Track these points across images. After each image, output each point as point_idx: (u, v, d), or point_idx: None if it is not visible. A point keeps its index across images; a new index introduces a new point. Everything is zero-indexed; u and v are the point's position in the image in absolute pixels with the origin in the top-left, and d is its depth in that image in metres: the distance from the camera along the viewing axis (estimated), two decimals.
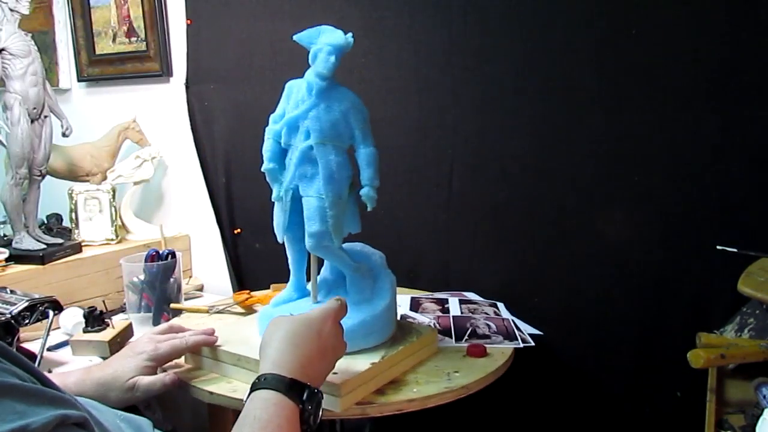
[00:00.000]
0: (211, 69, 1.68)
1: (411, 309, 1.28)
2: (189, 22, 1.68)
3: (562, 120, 1.31)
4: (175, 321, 1.14)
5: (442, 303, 1.31)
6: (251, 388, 0.69)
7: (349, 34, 0.97)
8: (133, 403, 0.92)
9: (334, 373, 0.86)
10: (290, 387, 0.68)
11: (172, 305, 1.31)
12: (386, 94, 1.48)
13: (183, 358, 1.02)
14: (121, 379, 0.89)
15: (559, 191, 1.34)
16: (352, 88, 1.48)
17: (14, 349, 0.58)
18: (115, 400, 0.88)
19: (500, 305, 1.31)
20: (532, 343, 1.11)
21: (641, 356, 1.29)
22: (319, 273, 1.08)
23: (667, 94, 1.21)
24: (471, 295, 1.37)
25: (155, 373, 0.94)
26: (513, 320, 1.22)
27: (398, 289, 1.28)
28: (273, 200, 1.02)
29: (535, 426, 1.41)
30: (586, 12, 1.26)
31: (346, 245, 1.05)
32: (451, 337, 1.12)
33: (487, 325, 1.18)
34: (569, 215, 1.33)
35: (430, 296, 1.36)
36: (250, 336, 1.03)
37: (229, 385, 0.95)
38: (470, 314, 1.24)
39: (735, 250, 1.11)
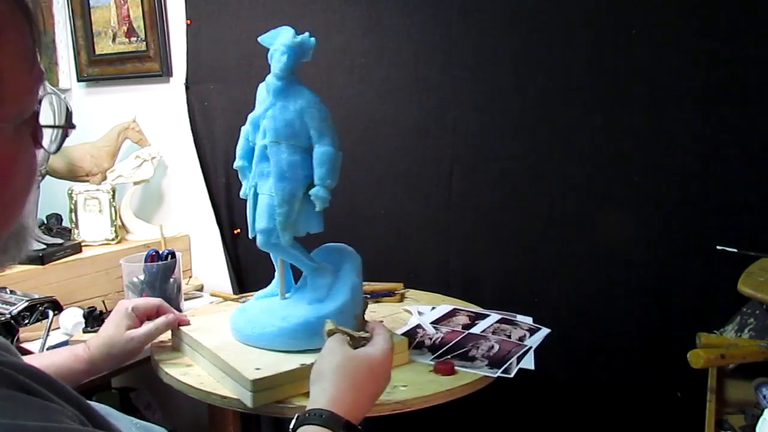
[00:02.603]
0: (211, 69, 1.68)
1: (435, 320, 1.21)
2: (189, 22, 1.68)
3: (562, 120, 1.31)
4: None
5: (476, 318, 1.22)
6: (304, 418, 0.67)
7: (306, 34, 0.97)
8: (138, 352, 1.02)
9: (257, 369, 0.89)
10: (345, 429, 0.67)
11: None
12: (386, 94, 1.48)
13: (169, 335, 1.10)
14: (118, 335, 0.99)
15: (559, 191, 1.34)
16: (351, 87, 1.50)
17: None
18: (120, 353, 0.99)
19: (539, 334, 1.14)
20: (509, 376, 0.98)
21: (641, 356, 1.29)
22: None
23: (667, 94, 1.22)
24: (522, 318, 1.23)
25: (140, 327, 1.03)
26: (531, 349, 1.07)
27: (446, 297, 1.31)
28: (240, 197, 1.06)
29: (535, 426, 1.41)
30: (586, 12, 1.26)
31: (330, 245, 1.07)
32: (437, 353, 1.05)
33: (491, 347, 1.09)
34: (569, 215, 1.33)
35: (470, 310, 1.27)
36: (217, 327, 1.07)
37: (187, 368, 1.02)
38: (491, 334, 1.14)
39: (735, 250, 1.11)
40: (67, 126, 0.51)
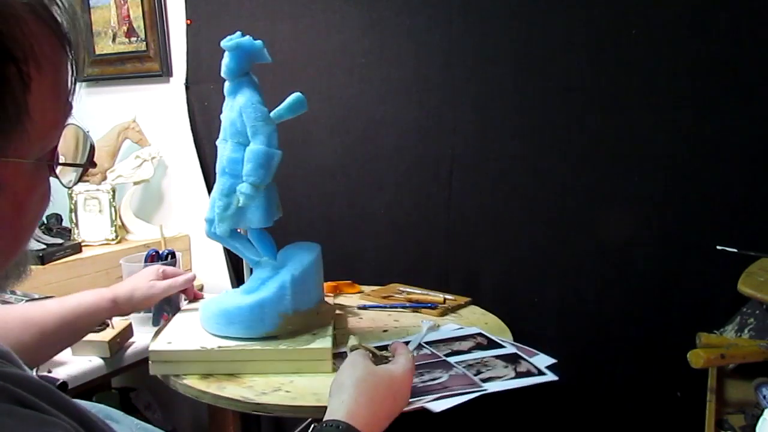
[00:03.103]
0: (211, 69, 1.68)
1: (436, 340, 1.08)
2: (189, 22, 1.68)
3: (562, 120, 1.31)
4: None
5: (485, 347, 1.06)
6: (320, 429, 0.67)
7: (248, 37, 0.99)
8: (155, 300, 1.10)
9: (168, 343, 0.98)
10: None
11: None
12: (386, 94, 1.48)
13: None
14: (143, 281, 1.08)
15: (559, 191, 1.34)
16: (351, 87, 1.50)
17: None
18: (140, 297, 1.06)
19: (527, 380, 0.95)
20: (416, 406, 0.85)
21: (641, 356, 1.29)
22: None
23: (666, 94, 1.22)
24: (536, 360, 1.01)
25: None
26: (477, 393, 0.90)
27: (502, 326, 1.17)
28: None
29: (534, 425, 1.41)
30: (586, 12, 1.26)
31: (299, 243, 1.09)
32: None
33: (437, 378, 0.95)
34: (569, 215, 1.33)
35: (490, 337, 1.09)
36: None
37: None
38: (461, 367, 0.98)
39: (735, 250, 1.11)
40: (88, 165, 0.51)
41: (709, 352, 0.91)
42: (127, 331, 1.25)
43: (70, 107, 0.46)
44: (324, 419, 0.69)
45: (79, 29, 0.45)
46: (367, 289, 1.38)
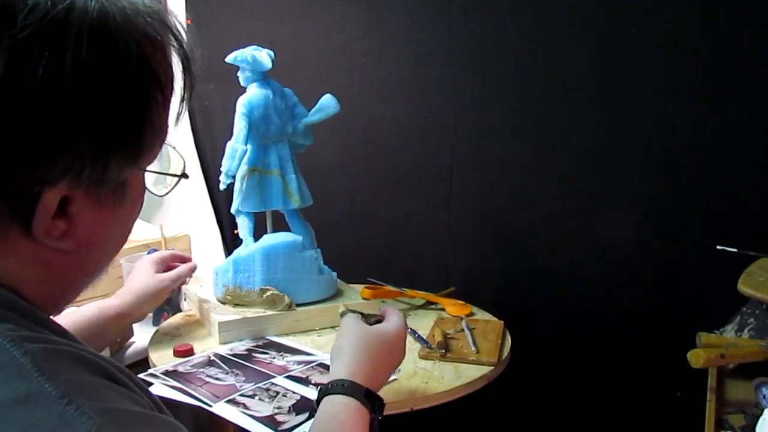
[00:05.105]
0: (211, 69, 1.67)
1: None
2: (189, 22, 1.68)
3: (562, 120, 1.31)
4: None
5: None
6: (327, 389, 0.71)
7: (238, 55, 1.13)
8: (167, 293, 1.13)
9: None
10: (366, 396, 0.70)
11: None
12: (386, 94, 1.48)
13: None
14: (150, 277, 1.10)
15: (559, 191, 1.34)
16: (351, 88, 1.51)
17: None
18: (153, 293, 1.09)
19: (252, 423, 0.83)
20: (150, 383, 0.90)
21: (641, 356, 1.29)
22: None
23: (666, 94, 1.22)
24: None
25: None
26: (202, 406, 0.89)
27: None
28: None
29: (534, 426, 1.41)
30: (586, 12, 1.26)
31: (282, 233, 1.21)
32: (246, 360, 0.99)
33: (221, 378, 0.95)
34: (569, 215, 1.33)
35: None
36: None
37: None
38: (249, 385, 0.93)
39: (735, 250, 1.11)
40: (183, 176, 0.59)
41: (709, 352, 0.91)
42: (128, 331, 1.25)
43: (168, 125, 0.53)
44: (327, 381, 0.72)
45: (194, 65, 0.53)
46: (479, 315, 1.25)
